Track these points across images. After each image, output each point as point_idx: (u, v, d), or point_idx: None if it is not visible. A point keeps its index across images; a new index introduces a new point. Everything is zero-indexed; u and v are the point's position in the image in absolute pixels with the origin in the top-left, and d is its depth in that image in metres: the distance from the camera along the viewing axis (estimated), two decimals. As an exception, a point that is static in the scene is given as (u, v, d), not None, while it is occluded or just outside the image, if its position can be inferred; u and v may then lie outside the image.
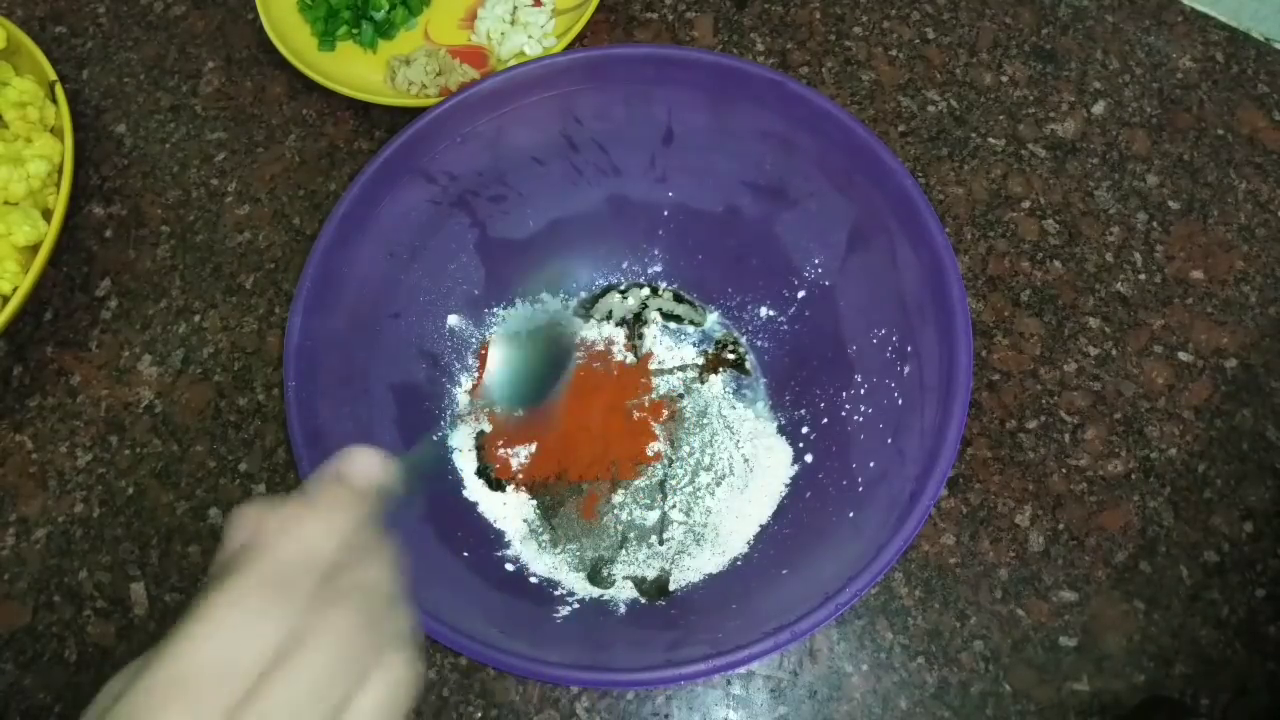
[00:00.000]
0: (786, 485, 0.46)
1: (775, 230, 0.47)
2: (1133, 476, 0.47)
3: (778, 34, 0.59)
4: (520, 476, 0.47)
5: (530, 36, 0.57)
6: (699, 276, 0.51)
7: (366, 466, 0.25)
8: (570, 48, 0.56)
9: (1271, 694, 0.43)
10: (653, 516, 0.46)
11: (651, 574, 0.45)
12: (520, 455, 0.47)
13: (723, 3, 0.60)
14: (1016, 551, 0.46)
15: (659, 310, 0.51)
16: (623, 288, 0.51)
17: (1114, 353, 0.50)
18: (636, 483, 0.47)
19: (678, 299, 0.51)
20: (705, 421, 0.48)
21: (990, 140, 0.55)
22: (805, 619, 0.34)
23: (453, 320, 0.48)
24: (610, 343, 0.50)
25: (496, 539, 0.45)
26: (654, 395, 0.48)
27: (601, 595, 0.44)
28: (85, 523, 0.47)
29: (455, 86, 0.55)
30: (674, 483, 0.47)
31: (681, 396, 0.49)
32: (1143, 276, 0.52)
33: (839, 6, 0.60)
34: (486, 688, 0.44)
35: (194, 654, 0.19)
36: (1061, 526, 0.46)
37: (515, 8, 0.58)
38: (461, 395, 0.48)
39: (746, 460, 0.47)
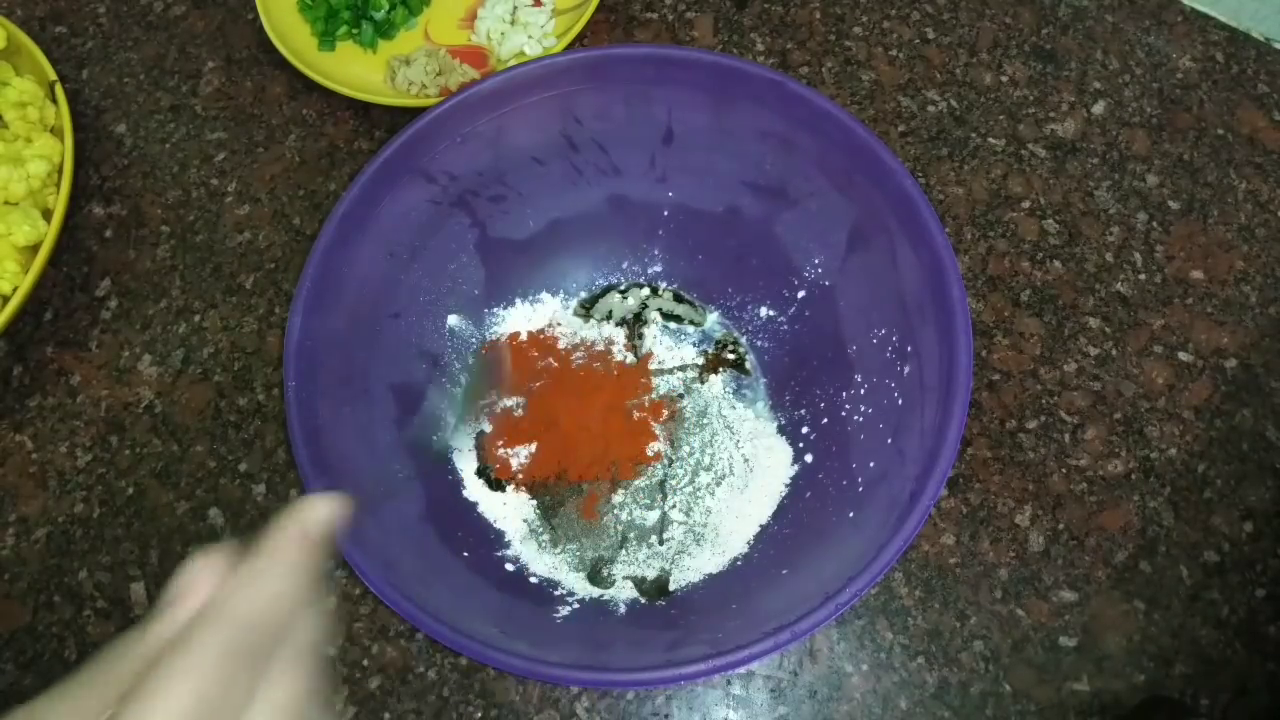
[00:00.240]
0: (786, 485, 0.46)
1: (775, 230, 0.47)
2: (1133, 476, 0.47)
3: (778, 34, 0.59)
4: (520, 476, 0.47)
5: (530, 36, 0.57)
6: (699, 276, 0.51)
7: (324, 515, 0.25)
8: (570, 48, 0.56)
9: (1271, 694, 0.43)
10: (653, 516, 0.46)
11: (651, 574, 0.45)
12: (520, 455, 0.47)
13: (723, 3, 0.60)
14: (1016, 551, 0.46)
15: (659, 310, 0.51)
16: (623, 288, 0.51)
17: (1114, 353, 0.50)
18: (636, 483, 0.47)
19: (678, 299, 0.51)
20: (705, 421, 0.48)
21: (990, 140, 0.55)
22: (805, 619, 0.34)
23: (453, 320, 0.48)
24: (610, 343, 0.50)
25: (496, 539, 0.45)
26: (654, 395, 0.48)
27: (601, 595, 0.44)
28: (85, 523, 0.47)
29: (455, 86, 0.55)
30: (674, 483, 0.47)
31: (681, 396, 0.49)
32: (1143, 276, 0.52)
33: (839, 6, 0.60)
34: (486, 688, 0.44)
35: None
36: (1061, 526, 0.46)
37: (515, 8, 0.58)
38: (460, 395, 0.48)
39: (746, 460, 0.47)
